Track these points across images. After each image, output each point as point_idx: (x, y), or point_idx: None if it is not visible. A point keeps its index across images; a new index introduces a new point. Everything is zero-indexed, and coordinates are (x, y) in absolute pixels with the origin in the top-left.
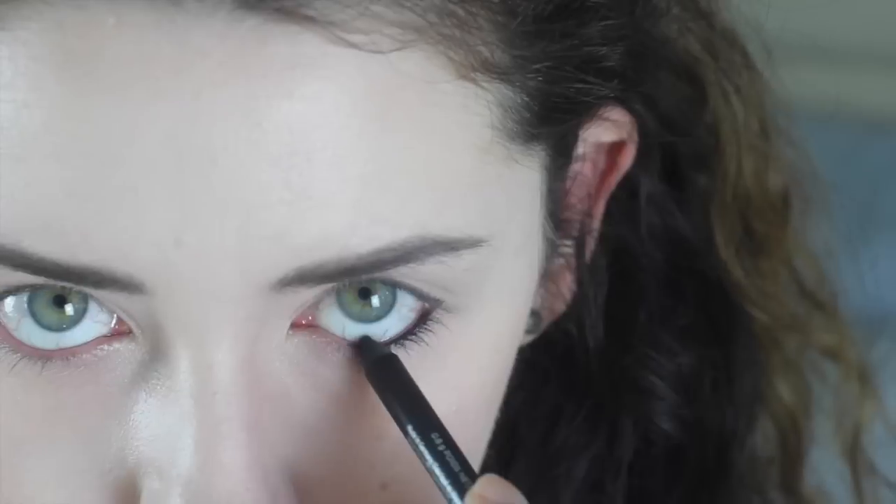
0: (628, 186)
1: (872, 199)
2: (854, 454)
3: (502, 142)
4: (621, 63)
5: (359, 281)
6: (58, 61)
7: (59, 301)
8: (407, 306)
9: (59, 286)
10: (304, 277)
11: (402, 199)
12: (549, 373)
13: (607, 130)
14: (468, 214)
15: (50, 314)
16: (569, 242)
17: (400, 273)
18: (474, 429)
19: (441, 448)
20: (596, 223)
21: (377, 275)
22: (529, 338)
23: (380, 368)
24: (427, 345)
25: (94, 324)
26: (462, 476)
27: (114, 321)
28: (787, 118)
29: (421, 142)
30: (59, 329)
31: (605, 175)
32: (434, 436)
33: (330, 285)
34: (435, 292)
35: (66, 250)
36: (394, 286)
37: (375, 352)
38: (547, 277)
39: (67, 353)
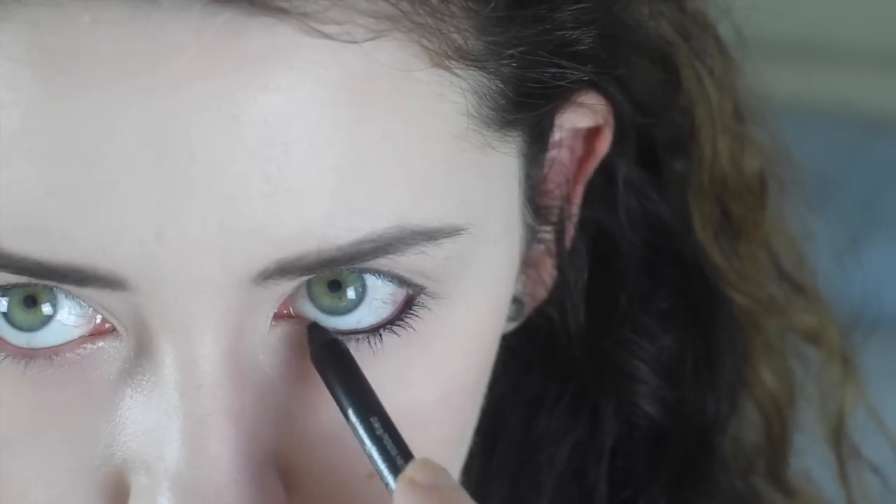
0: (606, 171)
1: (872, 199)
2: (838, 439)
3: (478, 129)
4: (594, 47)
5: (332, 273)
6: (34, 61)
7: (30, 301)
8: (380, 298)
9: (31, 286)
10: (284, 269)
11: (380, 189)
12: (531, 359)
13: (583, 116)
14: (446, 203)
15: (21, 315)
16: (548, 228)
17: (380, 264)
18: (462, 415)
19: (380, 432)
20: (575, 209)
21: (358, 265)
22: (512, 325)
23: (323, 353)
24: (414, 330)
25: (65, 326)
26: (399, 460)
27: (97, 319)
28: (763, 106)
29: (397, 131)
30: (30, 329)
31: (582, 161)
32: (373, 419)
33: (309, 277)
34: (417, 279)
35: (47, 249)
36: (363, 279)
37: (321, 337)
38: (528, 264)
39: (50, 353)
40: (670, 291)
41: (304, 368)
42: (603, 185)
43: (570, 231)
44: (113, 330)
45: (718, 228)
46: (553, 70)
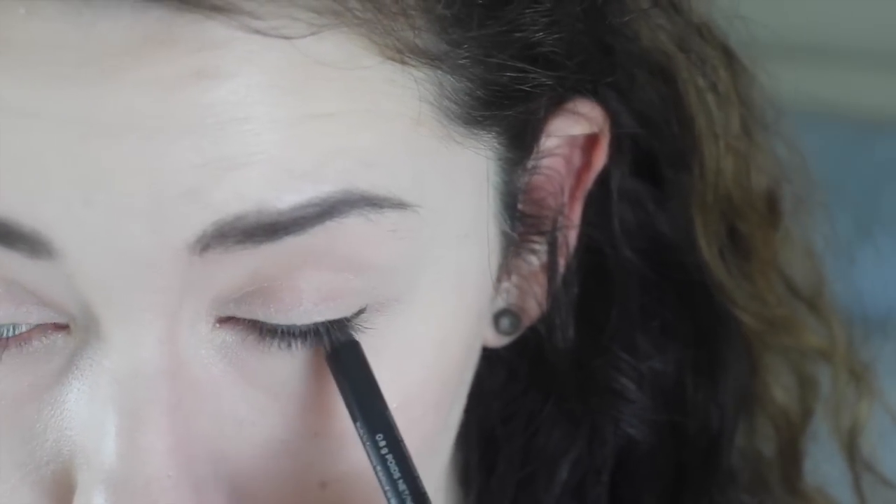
0: (601, 183)
1: (872, 199)
2: (852, 453)
3: (438, 118)
4: (563, 52)
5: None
6: None
7: None
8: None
9: None
10: (223, 233)
11: (326, 156)
12: (521, 374)
13: (576, 124)
14: (397, 178)
15: None
16: (539, 239)
17: (327, 228)
18: (422, 427)
19: (384, 452)
20: (573, 222)
21: (300, 232)
22: (506, 340)
23: (340, 355)
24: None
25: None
26: (400, 484)
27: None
28: (779, 116)
29: (345, 109)
30: None
31: (580, 173)
32: (378, 437)
33: (252, 246)
34: (365, 270)
35: None
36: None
37: (340, 336)
38: (518, 274)
39: (20, 340)
40: (669, 308)
41: (251, 371)
42: (597, 195)
43: (565, 247)
44: (67, 326)
45: (724, 246)
46: (513, 74)
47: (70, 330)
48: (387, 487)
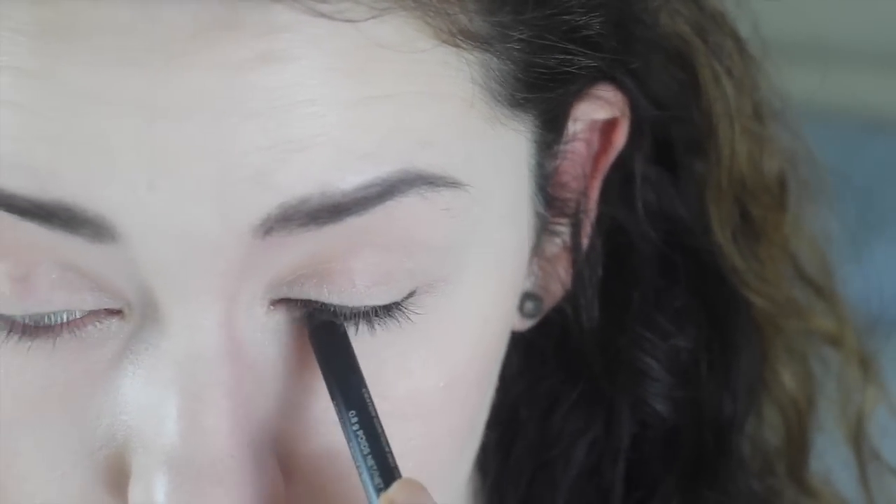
0: (622, 168)
1: (871, 199)
2: (858, 441)
3: (486, 100)
4: (604, 34)
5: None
6: (33, 32)
7: None
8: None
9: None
10: (287, 216)
11: (385, 137)
12: (546, 355)
13: (600, 108)
14: (451, 157)
15: None
16: (563, 221)
17: (386, 207)
18: (467, 406)
19: (355, 428)
20: (592, 204)
21: (363, 212)
22: (530, 322)
23: (321, 334)
24: (411, 321)
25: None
26: (369, 459)
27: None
28: (782, 103)
29: (402, 91)
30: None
31: (599, 155)
32: (351, 414)
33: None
34: (418, 252)
35: (37, 186)
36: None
37: (320, 316)
38: (542, 257)
39: (74, 326)
40: (685, 290)
41: (305, 355)
42: (619, 181)
43: (587, 227)
44: (120, 311)
45: (737, 230)
46: (561, 56)
47: (124, 315)
48: (358, 463)
